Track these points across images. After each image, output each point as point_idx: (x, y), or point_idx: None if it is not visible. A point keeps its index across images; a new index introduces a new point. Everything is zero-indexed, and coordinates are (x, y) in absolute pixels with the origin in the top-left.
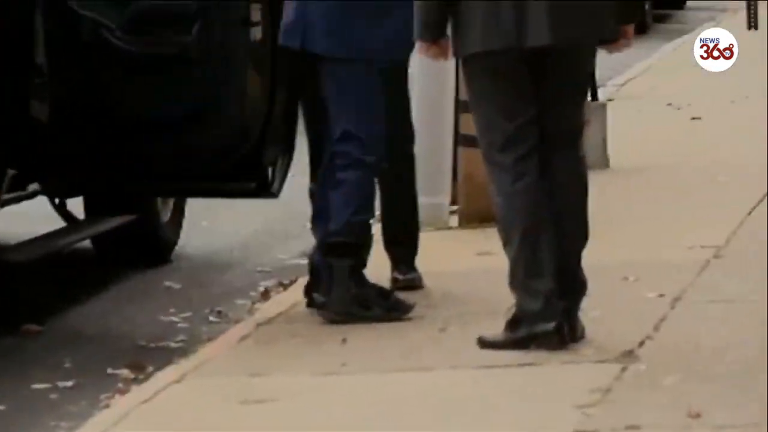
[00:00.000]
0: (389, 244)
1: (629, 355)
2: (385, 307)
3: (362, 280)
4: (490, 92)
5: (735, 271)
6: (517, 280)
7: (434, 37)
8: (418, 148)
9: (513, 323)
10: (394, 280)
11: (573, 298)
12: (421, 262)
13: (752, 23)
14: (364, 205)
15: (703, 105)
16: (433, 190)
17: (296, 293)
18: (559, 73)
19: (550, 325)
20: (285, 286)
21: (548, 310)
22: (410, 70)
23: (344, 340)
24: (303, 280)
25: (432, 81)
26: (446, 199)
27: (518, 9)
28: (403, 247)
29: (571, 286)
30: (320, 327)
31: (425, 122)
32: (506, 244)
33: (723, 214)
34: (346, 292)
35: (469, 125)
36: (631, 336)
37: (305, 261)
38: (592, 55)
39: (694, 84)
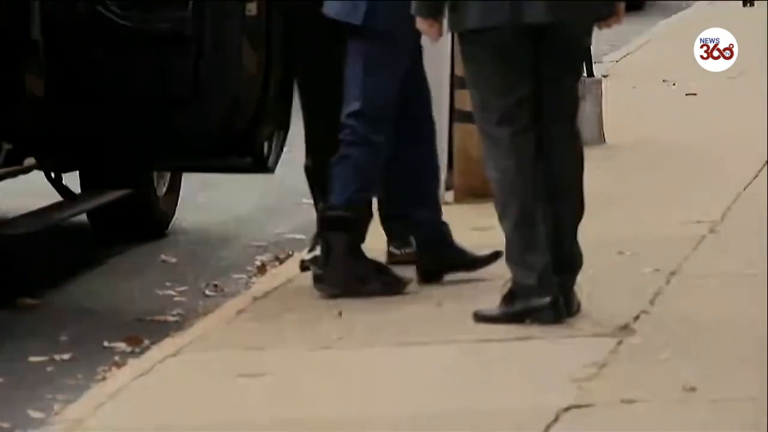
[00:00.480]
0: (385, 219)
1: (625, 329)
2: (381, 282)
3: (359, 255)
4: (486, 69)
5: (730, 245)
6: (513, 255)
7: (431, 13)
8: None
9: (509, 298)
10: (391, 255)
11: (569, 273)
12: None
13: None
14: (367, 183)
15: (699, 81)
16: None
17: (292, 268)
18: (556, 50)
19: (546, 300)
20: (281, 261)
21: (544, 284)
22: None
23: (340, 314)
24: (299, 255)
25: (427, 57)
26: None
27: None
28: (399, 222)
29: (567, 260)
30: (316, 301)
31: None
32: (502, 219)
33: (718, 189)
34: (342, 267)
35: (464, 101)
36: (626, 310)
37: (301, 236)
38: (589, 32)
39: (690, 60)
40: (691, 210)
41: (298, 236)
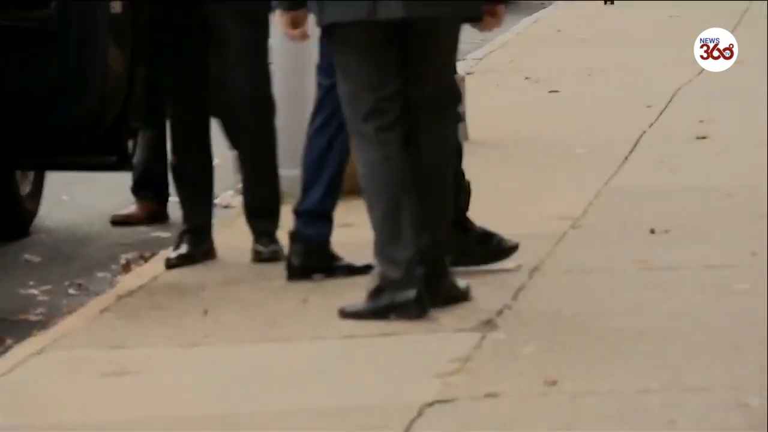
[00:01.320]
0: (251, 217)
1: (488, 324)
2: (484, 252)
3: (466, 226)
4: (353, 64)
5: (592, 241)
6: (380, 249)
7: (294, 5)
8: (279, 121)
9: (375, 293)
10: (256, 253)
11: (439, 264)
12: (282, 234)
13: None
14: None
15: (561, 78)
16: (294, 162)
17: (158, 266)
18: (423, 46)
19: (411, 294)
20: (146, 259)
21: (409, 278)
22: (270, 41)
23: (206, 312)
24: (164, 253)
25: (293, 52)
26: None
27: None
28: (264, 219)
29: (435, 253)
30: (181, 299)
31: (286, 94)
32: (370, 213)
33: (580, 185)
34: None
35: None
36: (490, 306)
37: (166, 233)
38: (457, 29)
39: (552, 57)
40: (553, 205)
41: (163, 234)
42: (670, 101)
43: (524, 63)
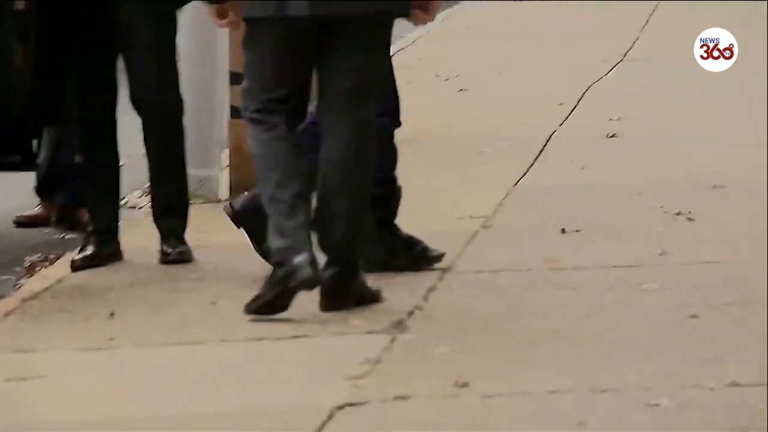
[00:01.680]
0: (158, 217)
1: (399, 325)
2: (410, 256)
3: (393, 231)
4: (257, 58)
5: (503, 240)
6: (271, 224)
7: None
8: (188, 119)
9: (272, 273)
10: (164, 254)
11: (350, 267)
12: (190, 235)
13: None
14: None
15: (472, 76)
16: (203, 162)
17: (63, 268)
18: (336, 45)
19: (304, 257)
20: (51, 261)
21: (300, 243)
22: (178, 39)
23: (112, 315)
24: (70, 255)
25: (202, 50)
26: (216, 171)
27: None
28: (172, 220)
29: (349, 255)
30: (87, 302)
31: (195, 92)
32: (262, 196)
33: (491, 184)
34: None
35: (237, 97)
36: (400, 307)
37: (72, 235)
38: (374, 27)
39: (463, 55)
40: (464, 206)
41: (68, 236)
42: (580, 99)
43: (435, 60)
